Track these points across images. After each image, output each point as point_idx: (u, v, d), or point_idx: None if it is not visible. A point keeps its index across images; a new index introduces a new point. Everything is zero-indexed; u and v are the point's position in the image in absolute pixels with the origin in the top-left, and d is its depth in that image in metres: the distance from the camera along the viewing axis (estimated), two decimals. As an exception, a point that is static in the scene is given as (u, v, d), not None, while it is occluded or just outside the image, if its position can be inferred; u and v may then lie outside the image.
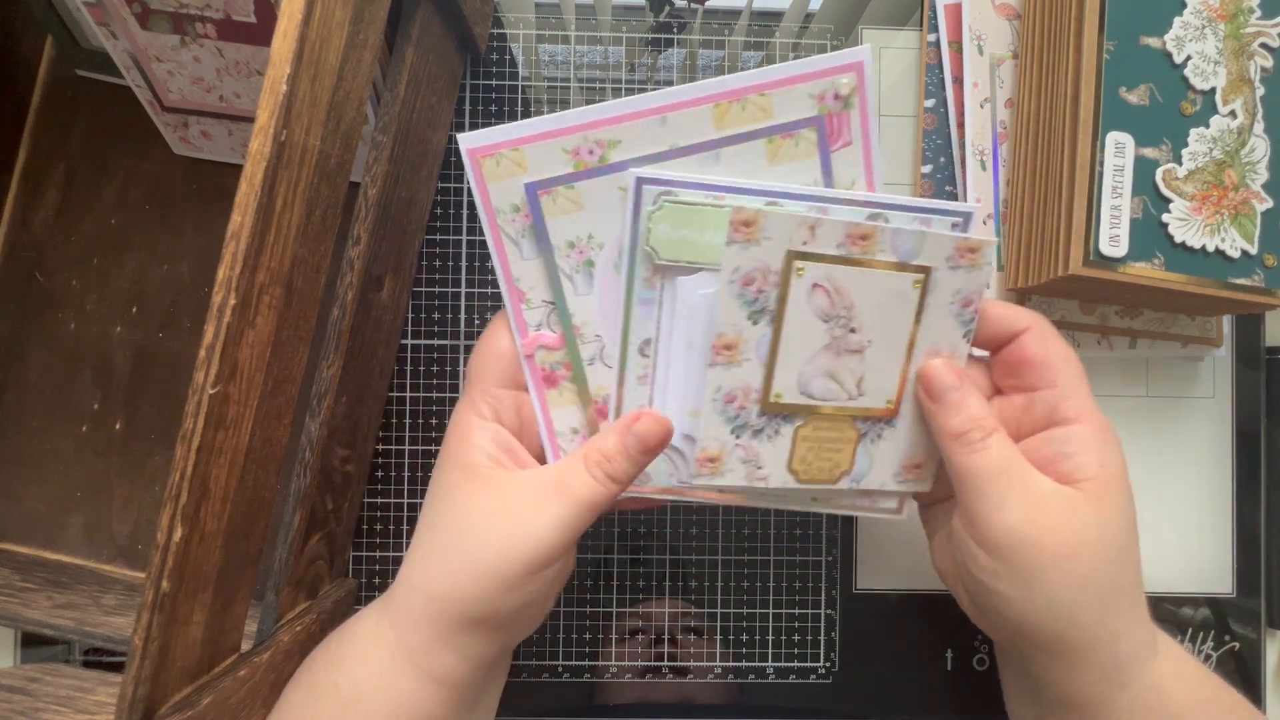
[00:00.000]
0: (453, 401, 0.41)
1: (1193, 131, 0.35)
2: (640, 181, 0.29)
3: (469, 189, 0.40)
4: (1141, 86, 0.34)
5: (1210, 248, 0.35)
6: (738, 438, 0.31)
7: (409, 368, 0.41)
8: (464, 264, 0.41)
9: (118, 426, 0.40)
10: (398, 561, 0.38)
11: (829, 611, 0.41)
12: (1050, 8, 0.37)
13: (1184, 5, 0.35)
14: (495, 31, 0.41)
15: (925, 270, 0.30)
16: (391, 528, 0.40)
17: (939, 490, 0.33)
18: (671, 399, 0.31)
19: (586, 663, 0.41)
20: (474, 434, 0.31)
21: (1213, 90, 0.35)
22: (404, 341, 0.41)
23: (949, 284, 0.30)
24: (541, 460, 0.32)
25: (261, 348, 0.26)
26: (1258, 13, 0.35)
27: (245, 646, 0.30)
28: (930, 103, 0.41)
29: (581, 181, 0.30)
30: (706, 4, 0.42)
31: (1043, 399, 0.30)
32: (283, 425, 0.29)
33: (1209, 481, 0.42)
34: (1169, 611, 0.42)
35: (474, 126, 0.41)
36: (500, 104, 0.41)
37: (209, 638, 0.28)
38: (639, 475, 0.30)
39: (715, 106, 0.30)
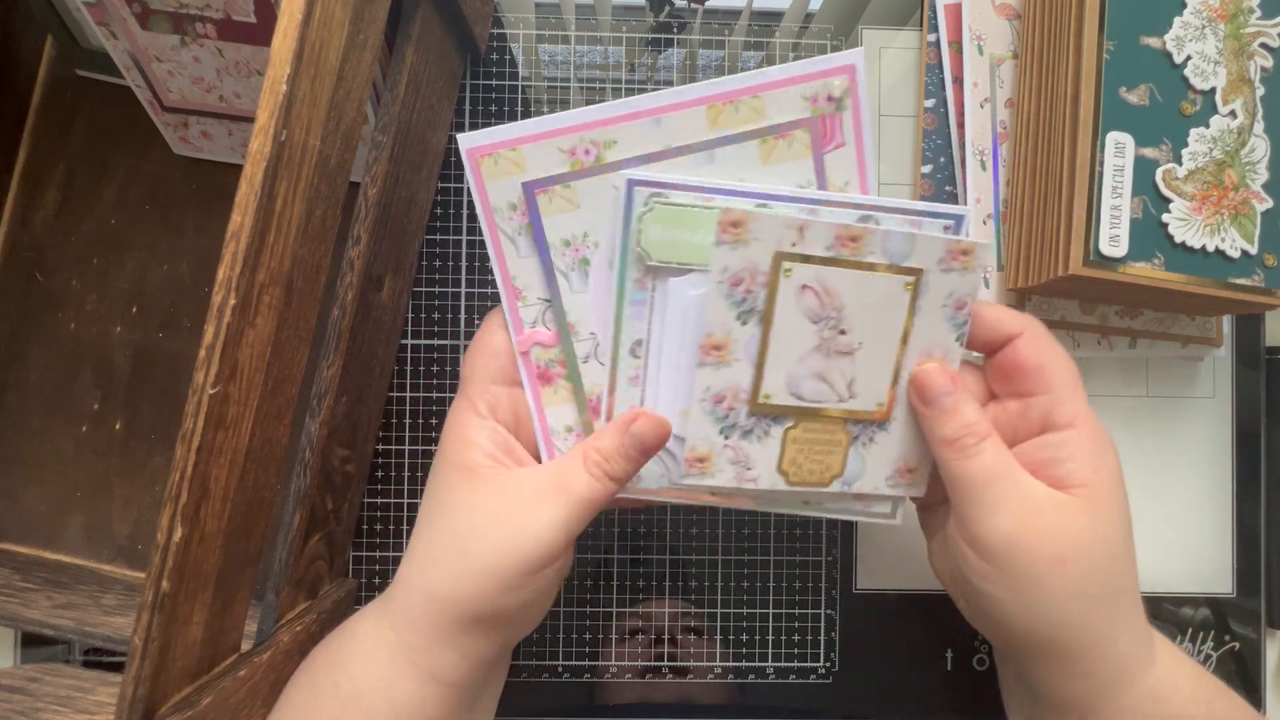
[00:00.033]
0: (453, 401, 0.41)
1: (1193, 131, 0.35)
2: (631, 183, 0.30)
3: (469, 189, 0.41)
4: (1141, 86, 0.34)
5: (1210, 248, 0.35)
6: (726, 438, 0.31)
7: (409, 368, 0.41)
8: (464, 264, 0.41)
9: (118, 426, 0.40)
10: (398, 561, 0.38)
11: (829, 611, 0.41)
12: (1050, 8, 0.37)
13: (1184, 5, 0.35)
14: (495, 31, 0.41)
15: (916, 272, 0.30)
16: (391, 528, 0.40)
17: (936, 493, 0.33)
18: (663, 400, 0.31)
19: (586, 663, 0.41)
20: (472, 433, 0.31)
21: (1213, 90, 0.35)
22: (404, 341, 0.41)
23: (941, 286, 0.30)
24: (537, 458, 0.32)
25: (261, 348, 0.26)
26: (1258, 13, 0.35)
27: (245, 646, 0.30)
28: (930, 103, 0.41)
29: (578, 181, 0.30)
30: (706, 4, 0.42)
31: (1037, 404, 0.30)
32: (283, 425, 0.29)
33: (1209, 481, 0.42)
34: (1169, 611, 0.42)
35: (474, 126, 0.41)
36: (500, 104, 0.41)
37: (209, 638, 0.28)
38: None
39: (709, 108, 0.30)
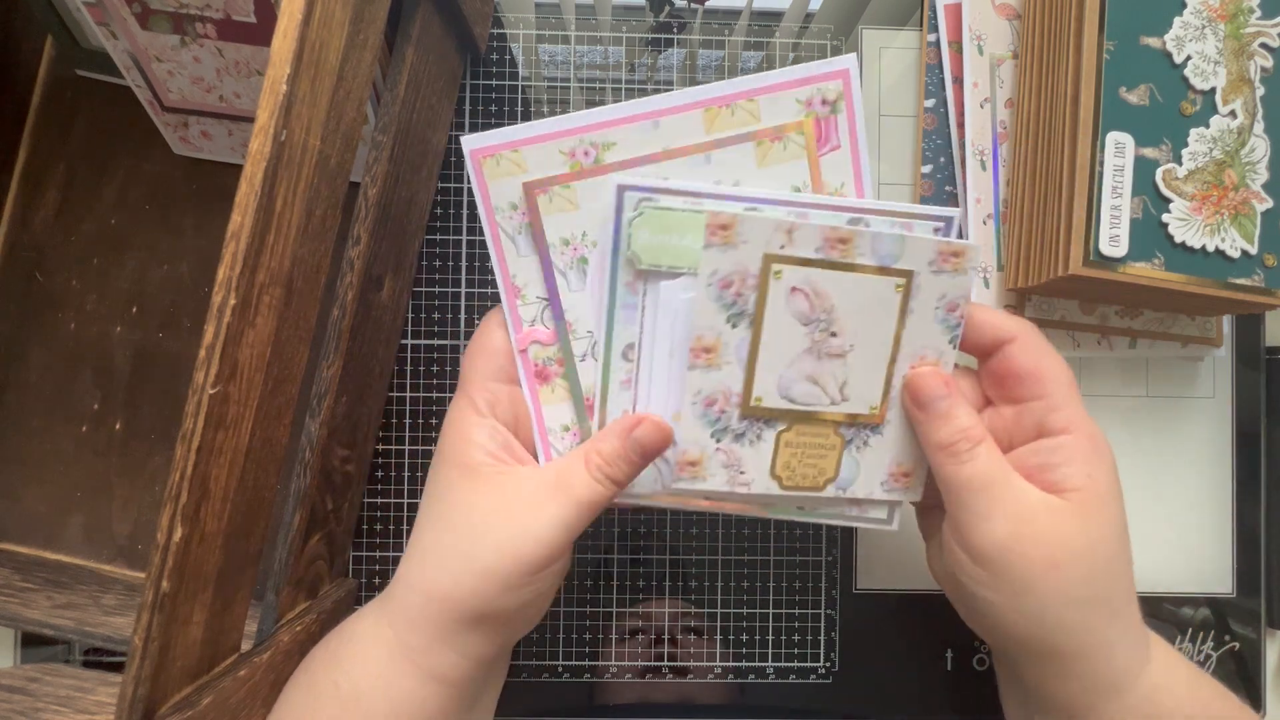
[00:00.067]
0: (452, 400, 0.41)
1: (1193, 131, 0.35)
2: (621, 188, 0.30)
3: (469, 189, 0.41)
4: (1141, 86, 0.34)
5: (1210, 248, 0.35)
6: (718, 441, 0.31)
7: (409, 368, 0.41)
8: (464, 264, 0.41)
9: (118, 426, 0.40)
10: (397, 561, 0.38)
11: (829, 611, 0.41)
12: (1050, 8, 0.37)
13: (1184, 5, 0.35)
14: (495, 31, 0.41)
15: (907, 274, 0.30)
16: (391, 528, 0.40)
17: (934, 495, 0.33)
18: (654, 403, 0.31)
19: (586, 663, 0.41)
20: (472, 431, 0.31)
21: (1213, 90, 0.35)
22: (404, 341, 0.41)
23: (933, 288, 0.30)
24: (536, 456, 0.32)
25: (261, 348, 0.26)
26: (1258, 13, 0.35)
27: (245, 646, 0.30)
28: (930, 103, 0.41)
29: (577, 182, 0.31)
30: (706, 4, 0.42)
31: (1031, 410, 0.30)
32: (283, 425, 0.29)
33: (1209, 481, 0.42)
34: (1169, 611, 0.42)
35: (474, 126, 0.41)
36: (500, 104, 0.41)
37: (209, 638, 0.28)
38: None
39: (706, 111, 0.31)
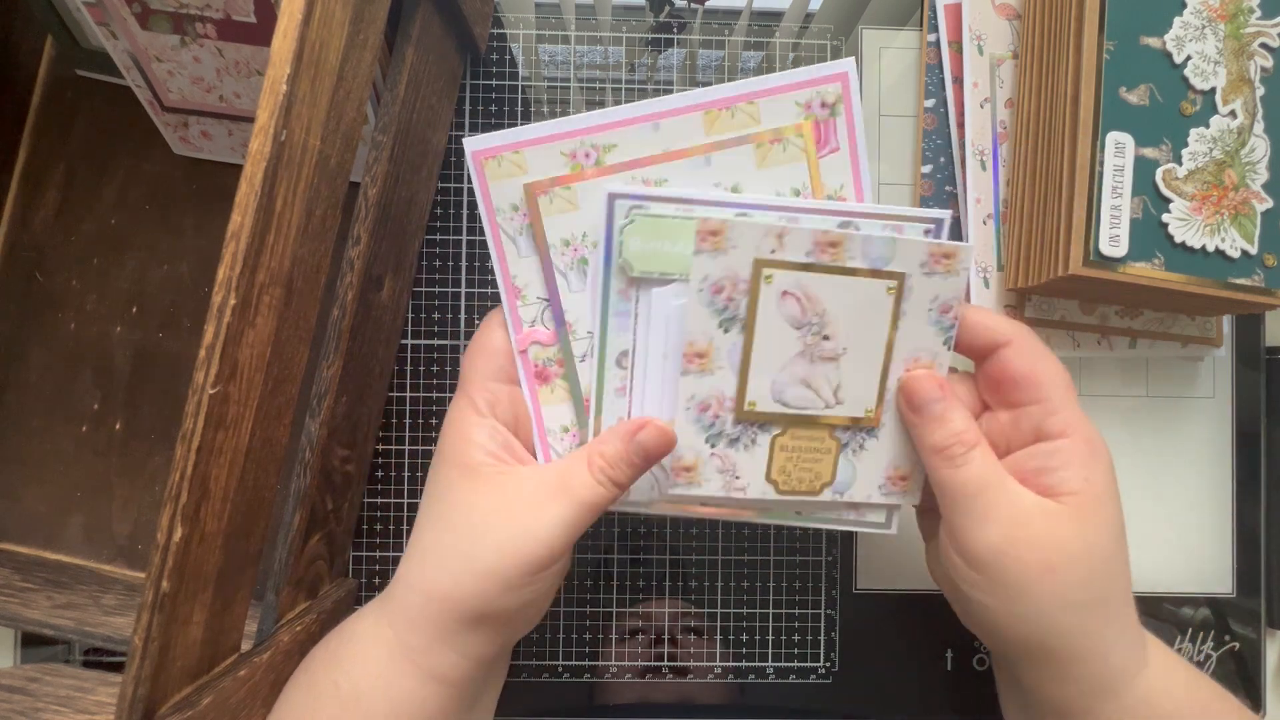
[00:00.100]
0: (452, 400, 0.41)
1: (1193, 131, 0.35)
2: (612, 197, 0.30)
3: (469, 189, 0.41)
4: (1141, 86, 0.34)
5: (1210, 248, 0.35)
6: (713, 446, 0.31)
7: (409, 368, 0.41)
8: (464, 264, 0.41)
9: (118, 426, 0.40)
10: (398, 561, 0.38)
11: (829, 611, 0.41)
12: (1050, 8, 0.37)
13: (1184, 5, 0.35)
14: (495, 31, 0.41)
15: (898, 276, 0.30)
16: (391, 528, 0.40)
17: (933, 497, 0.33)
18: (649, 409, 0.31)
19: (586, 663, 0.41)
20: (472, 431, 0.31)
21: (1213, 90, 0.35)
22: (404, 341, 0.41)
23: (925, 290, 0.30)
24: (535, 456, 0.32)
25: (261, 348, 0.26)
26: (1258, 13, 0.35)
27: (245, 646, 0.30)
28: (930, 103, 0.41)
29: (578, 183, 0.31)
30: (706, 4, 0.42)
31: (1028, 415, 0.30)
32: (283, 425, 0.29)
33: (1209, 481, 0.42)
34: (1169, 611, 0.42)
35: (474, 127, 0.41)
36: (500, 104, 0.41)
37: (209, 638, 0.28)
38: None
39: (706, 113, 0.31)
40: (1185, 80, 0.34)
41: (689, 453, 0.31)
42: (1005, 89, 0.40)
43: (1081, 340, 0.40)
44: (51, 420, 0.40)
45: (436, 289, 0.41)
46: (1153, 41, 0.34)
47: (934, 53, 0.41)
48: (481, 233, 0.37)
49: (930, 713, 0.42)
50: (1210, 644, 0.42)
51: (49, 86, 0.41)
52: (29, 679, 0.27)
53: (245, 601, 0.30)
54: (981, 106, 0.40)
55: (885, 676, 0.41)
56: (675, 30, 0.42)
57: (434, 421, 0.41)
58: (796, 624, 0.41)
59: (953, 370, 0.32)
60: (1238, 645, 0.42)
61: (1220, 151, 0.35)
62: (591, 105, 0.41)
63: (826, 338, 0.30)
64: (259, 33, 0.33)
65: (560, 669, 0.41)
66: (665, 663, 0.41)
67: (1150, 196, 0.34)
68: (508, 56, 0.41)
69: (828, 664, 0.41)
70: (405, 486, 0.41)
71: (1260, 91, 0.35)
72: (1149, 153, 0.34)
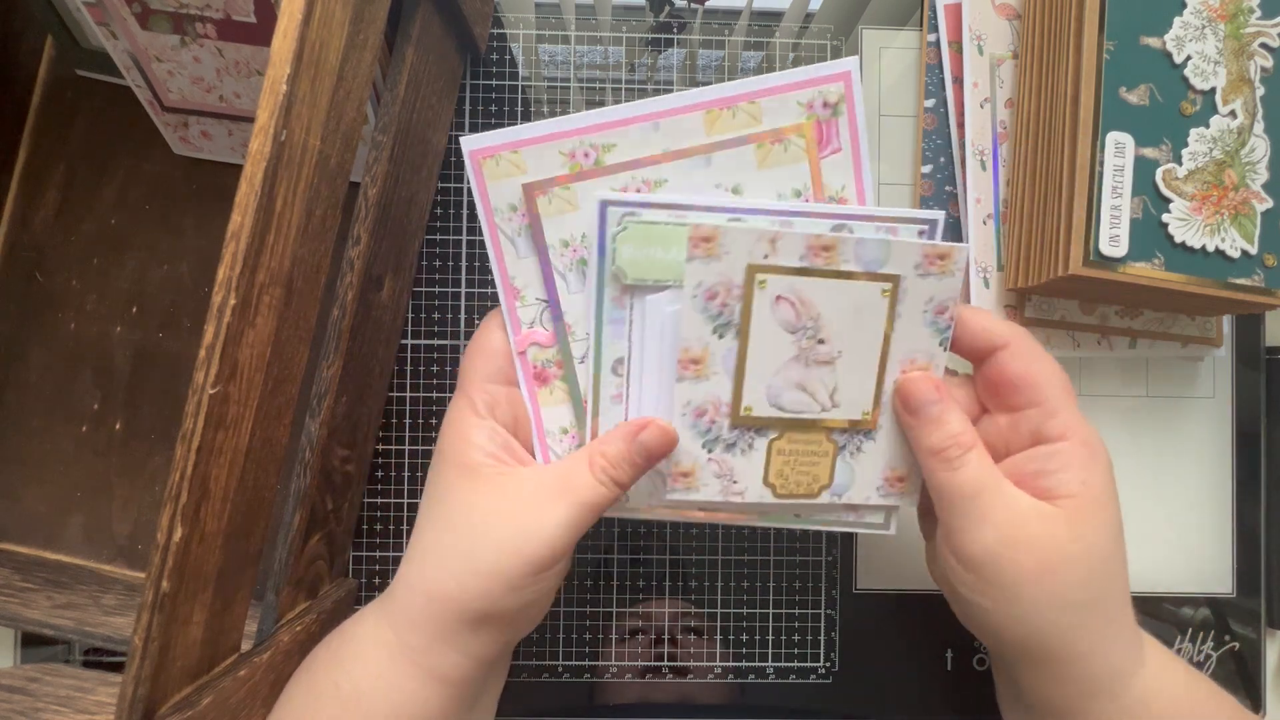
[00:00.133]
0: (451, 401, 0.41)
1: (1193, 131, 0.35)
2: (604, 204, 0.30)
3: (469, 189, 0.41)
4: (1141, 86, 0.34)
5: (1210, 248, 0.35)
6: (710, 451, 0.31)
7: (409, 368, 0.41)
8: (464, 264, 0.41)
9: (118, 426, 0.40)
10: (398, 561, 0.38)
11: (829, 611, 0.41)
12: (1050, 8, 0.37)
13: (1184, 5, 0.35)
14: (495, 31, 0.41)
15: (893, 278, 0.30)
16: (391, 528, 0.40)
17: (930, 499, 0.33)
18: (645, 415, 0.31)
19: (586, 663, 0.41)
20: (472, 432, 0.31)
21: (1213, 90, 0.35)
22: (404, 341, 0.41)
23: (920, 292, 0.30)
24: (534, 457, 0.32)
25: (261, 348, 0.26)
26: (1258, 13, 0.35)
27: (245, 646, 0.30)
28: (930, 103, 0.41)
29: (577, 183, 0.31)
30: (706, 4, 0.42)
31: (1027, 418, 0.30)
32: (283, 425, 0.29)
33: (1209, 481, 0.42)
34: (1169, 611, 0.42)
35: (474, 126, 0.41)
36: (500, 104, 0.41)
37: (209, 638, 0.28)
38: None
39: (707, 113, 0.31)
40: (1185, 80, 0.34)
41: (686, 458, 0.31)
42: (1005, 89, 0.40)
43: (1081, 340, 0.40)
44: (51, 420, 0.40)
45: (436, 289, 0.41)
46: (1153, 41, 0.34)
47: (934, 53, 0.41)
48: (481, 233, 0.37)
49: (930, 713, 0.42)
50: (1210, 644, 0.42)
51: (49, 86, 0.41)
52: (29, 679, 0.27)
53: (245, 601, 0.30)
54: (981, 106, 0.40)
55: (885, 676, 0.42)
56: (675, 30, 0.42)
57: (434, 421, 0.41)
58: (796, 624, 0.41)
59: (951, 373, 0.32)
60: (1238, 645, 0.42)
61: (1220, 151, 0.35)
62: (591, 105, 0.41)
63: (822, 341, 0.30)
64: (259, 33, 0.33)
65: (560, 669, 0.41)
66: (665, 663, 0.41)
67: (1150, 196, 0.34)
68: (508, 56, 0.41)
69: (828, 664, 0.41)
70: (405, 486, 0.41)
71: (1260, 91, 0.35)
72: (1149, 153, 0.34)
